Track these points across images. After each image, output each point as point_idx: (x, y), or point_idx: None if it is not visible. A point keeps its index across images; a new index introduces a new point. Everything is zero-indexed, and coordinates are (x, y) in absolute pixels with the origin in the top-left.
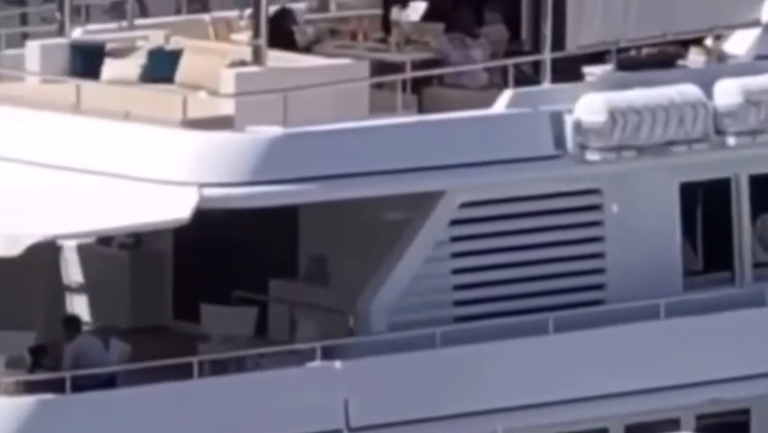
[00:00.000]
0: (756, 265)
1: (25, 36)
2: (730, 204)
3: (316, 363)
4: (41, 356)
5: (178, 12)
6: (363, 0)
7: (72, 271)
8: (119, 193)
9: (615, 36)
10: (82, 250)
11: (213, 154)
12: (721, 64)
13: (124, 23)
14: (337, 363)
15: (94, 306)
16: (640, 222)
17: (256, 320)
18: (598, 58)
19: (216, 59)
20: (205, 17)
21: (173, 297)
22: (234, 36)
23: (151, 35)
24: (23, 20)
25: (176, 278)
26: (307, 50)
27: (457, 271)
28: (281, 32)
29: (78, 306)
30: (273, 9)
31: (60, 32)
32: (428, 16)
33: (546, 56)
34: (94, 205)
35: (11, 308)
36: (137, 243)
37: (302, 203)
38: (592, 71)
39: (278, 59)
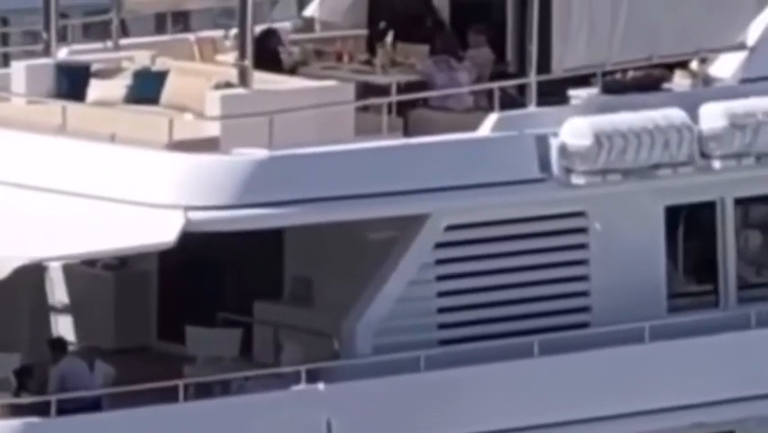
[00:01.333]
0: (741, 288)
1: (6, 57)
2: (715, 227)
3: (301, 387)
4: (26, 379)
5: (157, 31)
6: (348, 20)
7: (57, 292)
8: (105, 216)
9: (600, 59)
10: (67, 270)
11: (199, 177)
12: (706, 87)
13: (109, 44)
14: (322, 386)
15: (78, 326)
16: (625, 245)
17: (241, 342)
18: (583, 81)
19: (202, 81)
20: (190, 37)
21: (158, 318)
22: (219, 56)
23: (137, 56)
24: (5, 40)
25: (160, 299)
26: (293, 71)
27: (442, 294)
28: (266, 53)
29: (63, 326)
30: (258, 29)
31: (46, 52)
32: (413, 38)
33: (532, 79)
34: (79, 227)
35: None
36: (122, 263)
37: (288, 225)
38: (578, 94)
39: (263, 80)
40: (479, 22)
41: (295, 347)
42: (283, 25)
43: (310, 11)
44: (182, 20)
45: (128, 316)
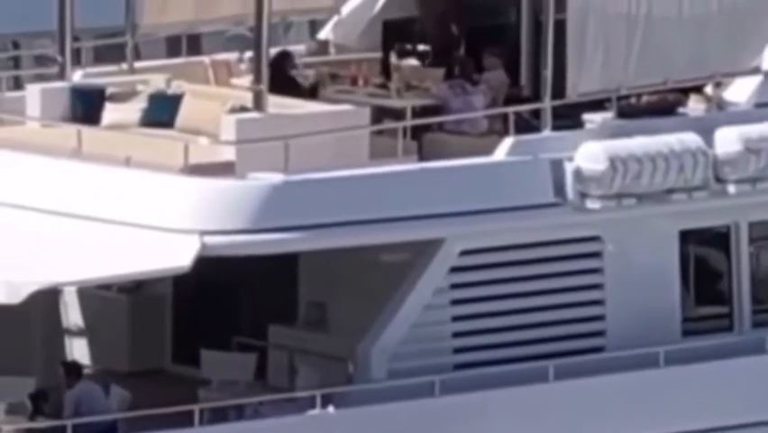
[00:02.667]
0: (755, 312)
1: (17, 80)
2: (729, 251)
3: (316, 411)
4: (41, 403)
5: (169, 54)
6: (362, 44)
7: (72, 315)
8: (120, 240)
9: (615, 84)
10: (81, 293)
11: (214, 201)
12: (721, 112)
13: (124, 66)
14: (337, 411)
15: (93, 349)
16: (640, 269)
17: (255, 366)
18: (598, 105)
19: (217, 104)
20: (205, 59)
21: (172, 341)
22: (234, 80)
23: (152, 79)
24: (16, 63)
25: (175, 322)
26: (313, 91)
27: (457, 319)
28: (282, 76)
29: (78, 349)
30: (272, 51)
31: (61, 75)
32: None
33: (547, 104)
34: (95, 251)
35: (10, 353)
36: (137, 287)
37: (303, 250)
38: (592, 119)
39: (278, 104)
40: (493, 45)
41: (310, 372)
42: (297, 48)
43: (324, 34)
44: (194, 43)
45: (143, 339)
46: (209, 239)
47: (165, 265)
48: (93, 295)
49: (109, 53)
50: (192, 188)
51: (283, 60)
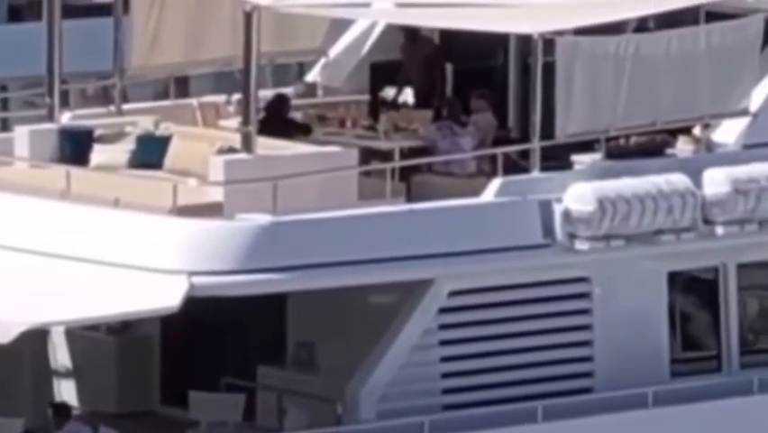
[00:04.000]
0: (744, 353)
1: (5, 121)
2: (718, 292)
3: None
4: None
5: (156, 97)
6: (349, 86)
7: (60, 356)
8: (109, 280)
9: (603, 125)
10: (69, 334)
11: (203, 242)
12: (710, 153)
13: (112, 108)
14: None
15: (81, 390)
16: (628, 310)
17: (244, 407)
18: (586, 146)
19: (205, 146)
20: (193, 102)
21: (160, 382)
22: (222, 122)
23: (140, 121)
24: (5, 105)
25: (163, 363)
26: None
27: (445, 359)
28: (279, 119)
29: (66, 391)
30: (262, 93)
31: (50, 117)
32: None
33: (536, 144)
34: (83, 292)
35: None
36: (124, 328)
37: (291, 291)
38: (581, 160)
39: (266, 146)
40: (480, 87)
41: (298, 412)
42: (286, 90)
43: (311, 76)
44: (181, 85)
45: (131, 380)
46: (197, 279)
47: (154, 306)
48: (81, 336)
49: (96, 97)
50: (181, 229)
51: (280, 103)
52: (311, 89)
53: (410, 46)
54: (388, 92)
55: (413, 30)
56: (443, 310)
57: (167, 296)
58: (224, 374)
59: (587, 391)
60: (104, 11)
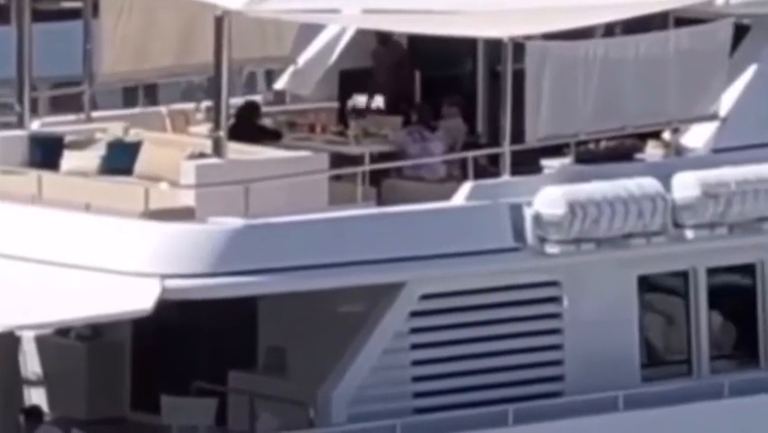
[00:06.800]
0: (714, 357)
1: None
2: (688, 296)
3: None
4: None
5: (125, 105)
6: (318, 94)
7: (30, 363)
8: (81, 284)
9: (573, 129)
10: (40, 341)
11: (175, 245)
12: (679, 157)
13: (82, 116)
14: None
15: (52, 397)
16: (598, 314)
17: (216, 411)
18: (556, 150)
19: (176, 151)
20: (162, 109)
21: (131, 387)
22: (192, 128)
23: (110, 127)
24: None
25: (134, 368)
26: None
27: (417, 363)
28: (250, 126)
29: (36, 397)
30: (234, 101)
31: (20, 124)
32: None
33: (506, 148)
34: (55, 296)
35: None
36: (95, 334)
37: (263, 294)
38: (551, 164)
39: (237, 150)
40: (449, 95)
41: (270, 416)
42: (255, 98)
43: (280, 84)
44: (150, 93)
45: (101, 386)
46: (170, 282)
47: (126, 308)
48: (51, 343)
49: (66, 104)
50: (153, 232)
51: (250, 110)
52: (280, 97)
53: (381, 49)
54: (359, 100)
55: (385, 33)
56: (415, 314)
57: (140, 299)
58: (196, 379)
59: (557, 394)
60: (73, 15)
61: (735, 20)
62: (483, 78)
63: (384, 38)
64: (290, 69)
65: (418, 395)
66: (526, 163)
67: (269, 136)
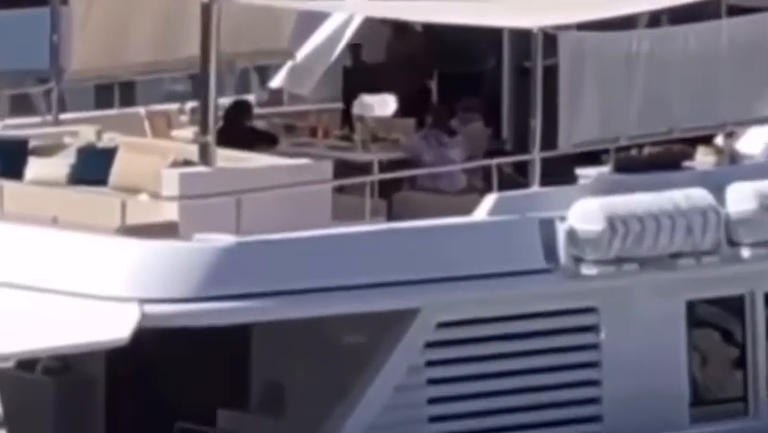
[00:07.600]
0: None
1: None
2: (744, 324)
3: None
4: None
5: (98, 105)
6: (319, 94)
7: None
8: (48, 310)
9: (613, 133)
10: (1, 376)
11: (156, 266)
12: (734, 165)
13: (48, 118)
14: None
15: None
16: (641, 345)
17: None
18: (593, 158)
19: (156, 159)
20: (141, 111)
21: (105, 429)
22: (175, 132)
23: (81, 131)
24: None
25: (108, 407)
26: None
27: (433, 401)
28: (240, 129)
29: None
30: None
31: None
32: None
33: (536, 155)
34: (20, 323)
35: None
36: (65, 368)
37: (257, 321)
38: (587, 173)
39: (227, 158)
40: (468, 95)
41: None
42: (246, 98)
43: (277, 82)
44: (127, 92)
45: (71, 428)
46: (150, 308)
47: (100, 338)
48: (13, 377)
49: (27, 103)
50: (130, 251)
51: (240, 110)
52: (276, 97)
53: (395, 42)
54: (366, 100)
55: (401, 22)
56: (431, 345)
57: (115, 327)
58: (179, 419)
59: None
60: (39, 0)
61: None
62: (509, 75)
63: (401, 28)
64: (288, 65)
65: None
66: (559, 173)
67: (264, 141)
